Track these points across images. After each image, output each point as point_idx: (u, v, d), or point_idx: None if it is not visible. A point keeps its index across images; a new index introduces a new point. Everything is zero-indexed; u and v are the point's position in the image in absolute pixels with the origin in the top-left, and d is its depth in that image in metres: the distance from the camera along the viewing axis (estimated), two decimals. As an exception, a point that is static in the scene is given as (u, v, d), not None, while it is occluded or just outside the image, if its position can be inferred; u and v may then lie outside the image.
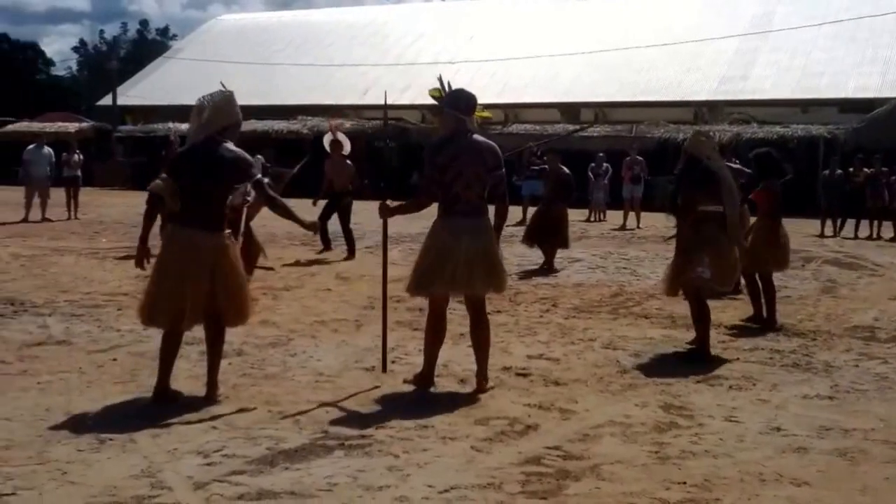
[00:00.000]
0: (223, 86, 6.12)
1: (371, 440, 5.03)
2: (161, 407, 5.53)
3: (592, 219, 21.80)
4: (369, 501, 4.21)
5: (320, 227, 12.57)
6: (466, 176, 5.93)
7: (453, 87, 6.31)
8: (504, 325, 8.43)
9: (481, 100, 6.31)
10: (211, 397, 5.71)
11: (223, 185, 5.66)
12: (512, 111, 34.71)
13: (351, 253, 13.16)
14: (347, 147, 13.16)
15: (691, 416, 5.66)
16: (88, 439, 4.94)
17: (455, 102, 6.12)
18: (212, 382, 5.77)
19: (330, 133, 13.39)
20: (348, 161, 13.23)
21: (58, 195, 19.59)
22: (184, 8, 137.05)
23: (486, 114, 6.54)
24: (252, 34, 45.26)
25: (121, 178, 34.22)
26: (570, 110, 34.77)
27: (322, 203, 13.40)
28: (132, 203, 16.93)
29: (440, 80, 6.33)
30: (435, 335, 6.20)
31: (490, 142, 6.11)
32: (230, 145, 5.70)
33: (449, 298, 6.28)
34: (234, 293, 5.66)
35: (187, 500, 4.15)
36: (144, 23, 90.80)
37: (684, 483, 4.51)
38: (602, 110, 34.78)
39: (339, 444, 4.94)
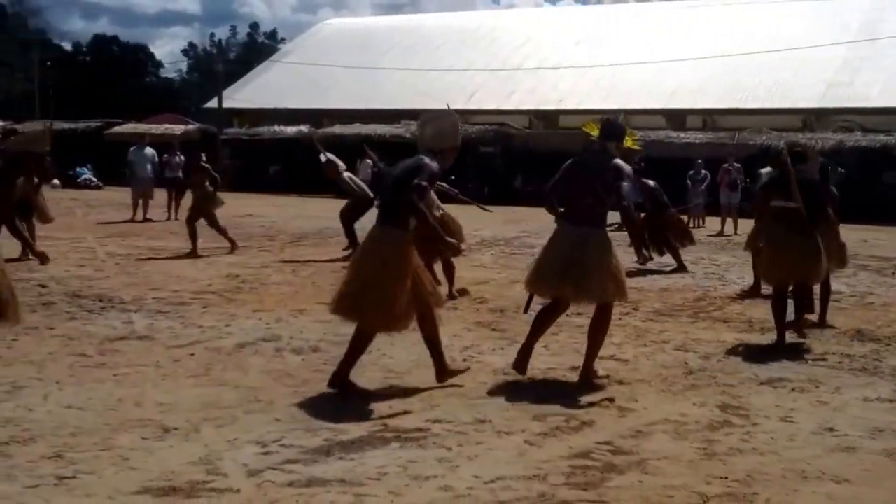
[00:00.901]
0: (448, 106, 6.43)
1: (427, 433, 5.24)
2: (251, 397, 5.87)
3: (692, 225, 21.54)
4: (415, 490, 4.41)
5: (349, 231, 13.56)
6: (580, 188, 6.45)
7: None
8: (581, 327, 8.48)
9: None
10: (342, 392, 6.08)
11: (402, 194, 6.00)
12: (617, 117, 34.48)
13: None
14: (342, 165, 13.70)
15: (747, 416, 5.74)
16: (153, 428, 5.20)
17: (600, 128, 6.78)
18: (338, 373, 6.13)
19: (322, 155, 13.84)
20: (344, 175, 13.76)
21: (161, 196, 20.36)
22: (294, 11, 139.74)
23: (635, 147, 7.02)
24: (359, 38, 45.95)
25: (226, 180, 35.24)
26: (675, 116, 34.45)
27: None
28: (232, 205, 17.44)
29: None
30: (536, 327, 6.64)
31: (618, 161, 6.49)
32: (433, 165, 6.06)
33: (564, 299, 6.62)
34: (377, 291, 5.90)
35: (239, 485, 4.38)
36: (254, 25, 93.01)
37: (725, 478, 4.62)
38: (711, 117, 34.36)
39: (396, 437, 5.16)
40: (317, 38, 48.91)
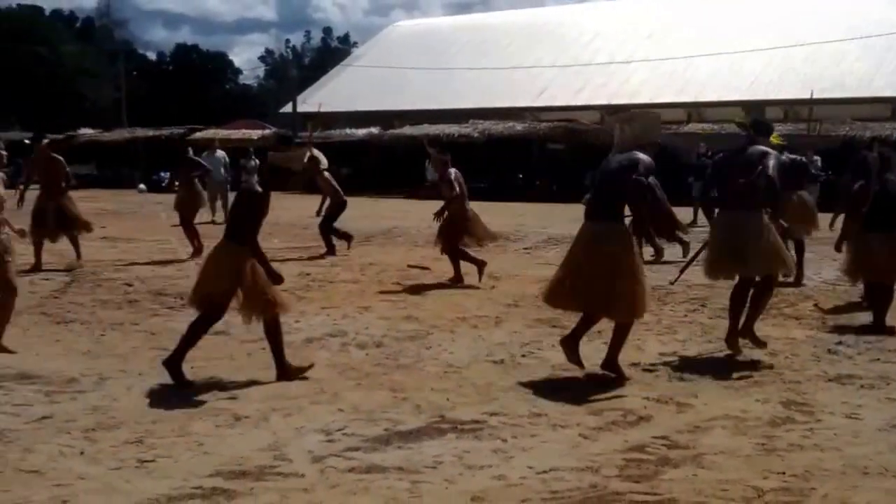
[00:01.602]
0: (625, 109, 6.70)
1: (483, 425, 5.32)
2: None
3: (769, 219, 21.12)
4: (469, 478, 4.50)
5: (334, 230, 13.73)
6: (733, 176, 7.02)
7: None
8: (645, 323, 8.42)
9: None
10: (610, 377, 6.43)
11: (619, 187, 6.29)
12: (695, 110, 34.06)
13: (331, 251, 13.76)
14: (324, 163, 13.70)
15: (811, 413, 5.64)
16: (226, 417, 5.48)
17: (751, 124, 7.47)
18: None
19: (307, 151, 13.89)
20: (325, 174, 13.78)
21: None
22: (366, 14, 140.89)
23: (779, 142, 7.79)
24: (429, 39, 46.11)
25: (302, 181, 35.79)
26: (754, 108, 33.78)
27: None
28: (307, 206, 17.62)
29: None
30: (732, 308, 7.29)
31: (766, 149, 7.08)
32: (647, 159, 6.36)
33: (743, 278, 7.24)
34: (610, 282, 6.19)
35: (304, 470, 4.60)
36: (328, 30, 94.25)
37: (783, 473, 4.57)
38: (792, 108, 33.61)
39: (453, 428, 5.26)
40: (387, 41, 49.26)
